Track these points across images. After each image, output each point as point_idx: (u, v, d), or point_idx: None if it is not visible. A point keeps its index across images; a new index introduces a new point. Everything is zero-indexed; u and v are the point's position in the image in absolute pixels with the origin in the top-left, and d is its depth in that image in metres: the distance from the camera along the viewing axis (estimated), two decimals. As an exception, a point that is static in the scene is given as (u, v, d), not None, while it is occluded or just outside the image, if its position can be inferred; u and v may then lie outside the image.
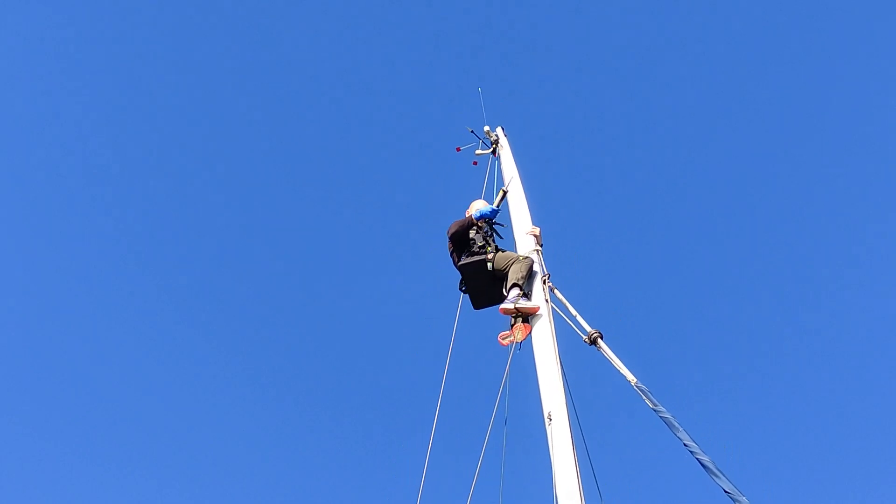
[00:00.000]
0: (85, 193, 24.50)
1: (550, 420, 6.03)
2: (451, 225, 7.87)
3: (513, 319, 6.96)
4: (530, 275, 7.19)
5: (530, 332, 6.81)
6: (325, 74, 26.44)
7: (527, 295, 7.02)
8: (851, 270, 21.75)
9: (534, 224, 7.88)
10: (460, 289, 7.78)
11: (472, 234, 7.79)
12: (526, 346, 6.84)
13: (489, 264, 7.44)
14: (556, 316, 6.81)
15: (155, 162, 25.13)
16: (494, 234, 8.00)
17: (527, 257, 7.33)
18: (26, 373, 21.82)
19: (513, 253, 7.55)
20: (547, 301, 6.96)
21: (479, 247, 7.64)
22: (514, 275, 7.09)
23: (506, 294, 7.04)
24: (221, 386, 22.51)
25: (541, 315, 6.82)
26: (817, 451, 19.35)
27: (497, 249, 7.60)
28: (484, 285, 7.55)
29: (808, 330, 21.68)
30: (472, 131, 9.48)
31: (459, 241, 7.79)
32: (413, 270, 22.72)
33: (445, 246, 7.96)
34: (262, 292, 24.27)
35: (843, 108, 23.49)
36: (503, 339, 6.95)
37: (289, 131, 25.99)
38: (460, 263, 7.67)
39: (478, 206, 8.17)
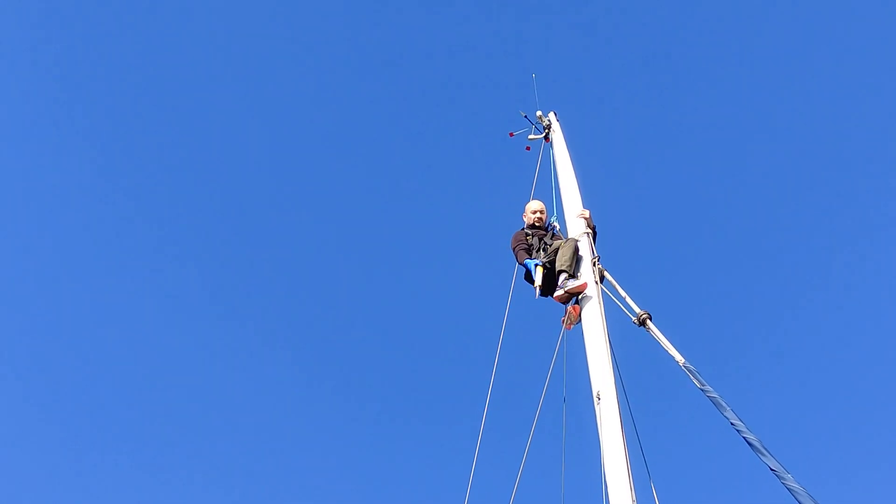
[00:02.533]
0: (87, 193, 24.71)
1: (599, 399, 6.13)
2: (513, 243, 7.99)
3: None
4: (576, 256, 7.29)
5: (580, 313, 6.93)
6: (379, 60, 26.62)
7: (574, 276, 7.11)
8: None
9: (584, 207, 7.95)
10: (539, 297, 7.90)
11: (529, 239, 7.92)
12: (577, 328, 6.96)
13: (543, 267, 7.55)
14: (605, 297, 6.90)
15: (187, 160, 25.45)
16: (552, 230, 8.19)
17: (569, 239, 7.43)
18: (31, 371, 22.13)
19: (560, 241, 7.65)
20: (597, 283, 7.05)
21: (537, 250, 7.78)
22: (560, 261, 7.22)
23: (558, 283, 7.17)
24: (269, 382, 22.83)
25: (590, 297, 6.92)
26: (866, 432, 19.12)
27: (551, 241, 7.73)
28: (549, 282, 7.56)
29: (860, 314, 21.38)
30: (524, 116, 9.54)
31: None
32: (469, 254, 22.89)
33: (497, 236, 8.16)
34: (323, 277, 24.62)
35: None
36: (565, 322, 7.11)
37: (342, 118, 26.25)
38: (525, 279, 7.81)
39: (532, 208, 8.29)
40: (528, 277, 7.63)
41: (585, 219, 7.78)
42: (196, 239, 24.99)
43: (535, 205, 8.36)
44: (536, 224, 8.15)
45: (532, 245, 7.79)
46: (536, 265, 7.48)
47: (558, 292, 7.04)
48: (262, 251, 24.89)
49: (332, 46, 26.89)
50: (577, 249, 7.30)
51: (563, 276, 7.08)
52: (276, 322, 24.01)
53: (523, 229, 8.09)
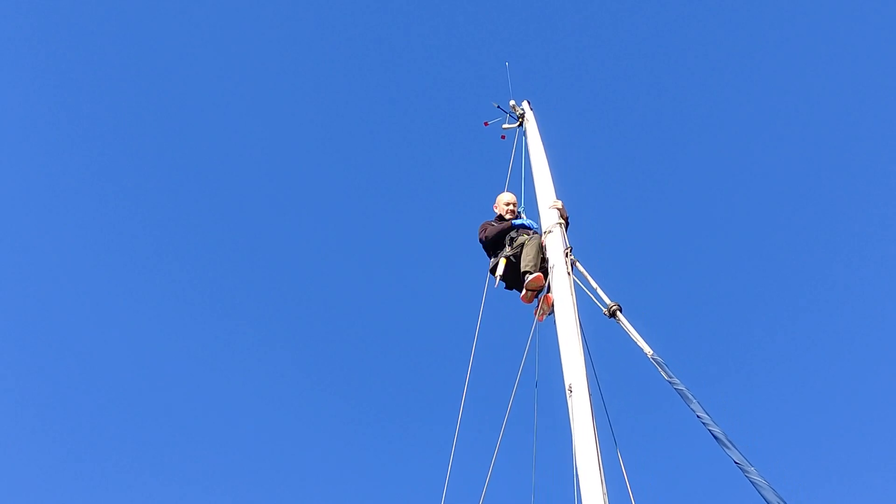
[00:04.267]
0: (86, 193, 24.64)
1: (571, 392, 6.11)
2: (479, 232, 7.97)
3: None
4: (540, 255, 7.27)
5: (552, 305, 6.91)
6: (352, 51, 26.53)
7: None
8: (872, 253, 21.50)
9: (557, 198, 7.90)
10: (507, 289, 7.88)
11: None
12: (549, 319, 6.94)
13: (507, 259, 7.54)
14: (577, 289, 6.87)
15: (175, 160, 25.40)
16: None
17: (533, 236, 7.40)
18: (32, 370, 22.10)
19: (524, 236, 7.62)
20: (569, 274, 7.01)
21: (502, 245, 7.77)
22: (524, 261, 7.23)
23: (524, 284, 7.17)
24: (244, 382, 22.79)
25: (562, 288, 6.88)
26: (830, 428, 19.35)
27: (516, 235, 7.68)
28: (514, 273, 7.62)
29: (829, 308, 21.60)
30: (497, 106, 9.51)
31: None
32: (443, 246, 22.92)
33: (472, 226, 8.11)
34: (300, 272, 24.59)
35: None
36: (537, 313, 7.11)
37: (317, 112, 26.19)
38: (489, 268, 7.81)
39: (505, 200, 8.29)
40: (494, 270, 7.62)
41: (558, 209, 7.73)
42: (170, 239, 24.96)
43: (507, 196, 8.33)
44: (507, 216, 8.12)
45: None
46: (503, 258, 7.46)
47: (523, 293, 7.04)
48: (232, 249, 24.88)
49: (302, 36, 26.79)
50: (541, 248, 7.26)
51: (528, 277, 7.07)
52: (249, 322, 24.00)
53: (489, 221, 8.05)
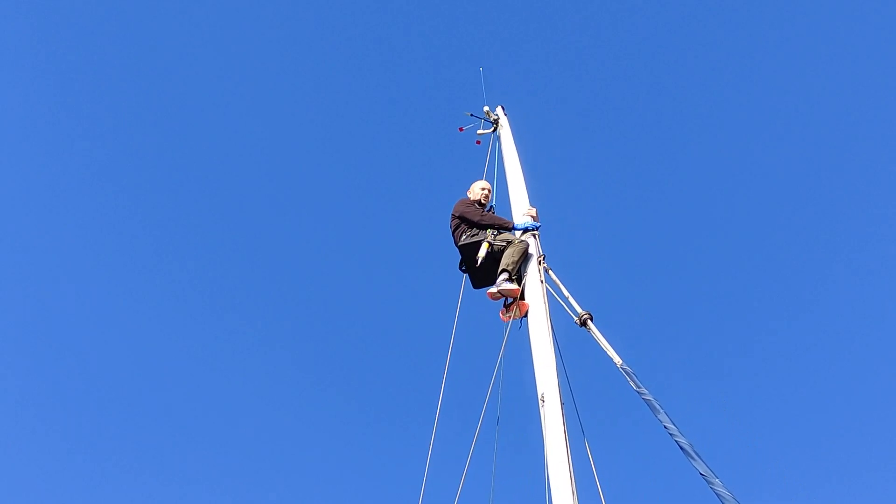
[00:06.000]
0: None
1: (543, 402, 6.10)
2: (460, 205, 7.97)
3: (510, 299, 7.10)
4: (524, 258, 7.24)
5: (526, 311, 6.90)
6: (326, 55, 26.45)
7: (513, 280, 7.09)
8: (845, 264, 21.66)
9: (531, 205, 7.91)
10: (460, 268, 7.87)
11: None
12: (522, 328, 6.93)
13: (490, 245, 7.50)
14: (550, 297, 6.87)
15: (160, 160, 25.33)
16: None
17: (522, 241, 7.39)
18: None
19: (510, 234, 7.59)
20: (542, 282, 7.01)
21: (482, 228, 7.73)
22: (506, 259, 7.17)
23: (496, 280, 7.14)
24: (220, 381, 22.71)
25: (535, 296, 6.88)
26: (798, 441, 19.47)
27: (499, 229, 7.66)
28: (484, 265, 7.56)
29: (798, 319, 21.73)
30: (471, 114, 9.52)
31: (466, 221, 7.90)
32: (416, 254, 22.91)
33: (446, 229, 8.07)
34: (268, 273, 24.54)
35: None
36: (503, 315, 7.10)
37: (290, 115, 26.13)
38: (460, 244, 7.76)
39: (481, 186, 8.29)
40: (467, 250, 7.63)
41: (532, 217, 7.74)
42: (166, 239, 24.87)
43: (484, 183, 8.37)
44: (482, 202, 8.13)
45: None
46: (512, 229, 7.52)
47: (492, 289, 7.07)
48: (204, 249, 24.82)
49: (279, 44, 26.73)
50: (525, 251, 7.26)
51: (503, 276, 7.06)
52: (238, 322, 23.95)
53: (473, 203, 8.06)
